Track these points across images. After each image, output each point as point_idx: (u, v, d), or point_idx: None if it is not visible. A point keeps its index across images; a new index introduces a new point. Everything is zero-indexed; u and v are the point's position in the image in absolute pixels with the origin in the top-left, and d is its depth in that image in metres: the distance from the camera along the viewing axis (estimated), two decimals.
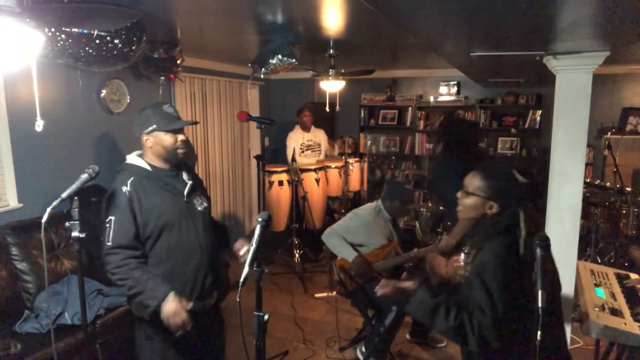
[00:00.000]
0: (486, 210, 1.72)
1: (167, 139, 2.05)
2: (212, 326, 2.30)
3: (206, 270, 2.16)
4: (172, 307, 1.91)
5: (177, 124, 2.09)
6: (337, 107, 4.59)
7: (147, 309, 1.95)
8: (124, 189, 1.98)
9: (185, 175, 2.17)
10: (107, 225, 1.95)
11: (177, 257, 2.07)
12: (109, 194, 2.00)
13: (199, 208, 2.18)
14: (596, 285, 2.62)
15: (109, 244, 1.94)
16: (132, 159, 2.11)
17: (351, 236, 3.30)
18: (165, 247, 2.05)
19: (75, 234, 1.83)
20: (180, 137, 2.09)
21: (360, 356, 3.36)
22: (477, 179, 1.75)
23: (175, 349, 2.12)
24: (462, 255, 1.75)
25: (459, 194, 1.80)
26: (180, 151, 2.09)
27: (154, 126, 2.04)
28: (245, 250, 2.24)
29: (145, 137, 2.06)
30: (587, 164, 5.46)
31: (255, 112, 6.39)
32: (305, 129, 5.62)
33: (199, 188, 2.24)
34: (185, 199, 2.12)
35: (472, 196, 1.74)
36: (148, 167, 2.08)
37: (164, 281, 1.98)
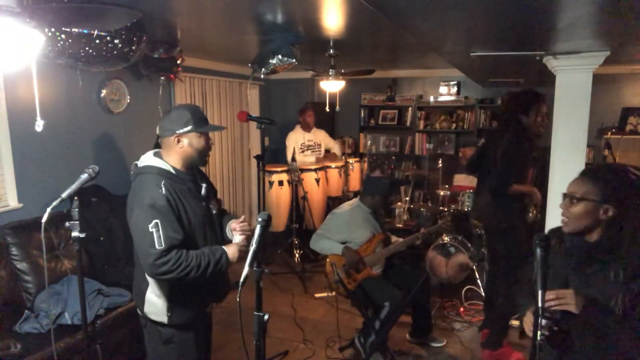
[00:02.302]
0: (600, 216, 1.53)
1: (200, 141, 2.00)
2: (208, 327, 2.36)
3: (223, 273, 2.15)
4: (232, 253, 2.01)
5: (210, 127, 2.06)
6: (337, 107, 4.59)
7: (222, 267, 1.99)
8: (161, 191, 1.89)
9: (199, 179, 2.15)
10: (153, 229, 1.82)
11: None
12: (143, 197, 1.89)
13: (214, 212, 2.18)
14: None
15: (161, 247, 1.82)
16: (153, 160, 2.00)
17: (334, 235, 3.43)
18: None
19: (75, 234, 1.83)
20: (210, 140, 2.08)
21: (358, 344, 3.39)
22: (586, 182, 1.58)
23: (192, 350, 2.12)
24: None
25: (562, 204, 1.64)
26: (207, 157, 2.08)
27: (191, 127, 1.96)
28: (240, 221, 2.17)
29: (176, 138, 1.97)
30: (587, 164, 5.46)
31: (255, 112, 6.39)
32: (307, 128, 5.62)
33: (212, 191, 2.22)
34: (204, 203, 2.10)
35: (582, 202, 1.56)
36: (172, 170, 1.99)
37: (211, 250, 2.00)
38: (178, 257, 1.86)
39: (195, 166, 2.09)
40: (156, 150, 2.07)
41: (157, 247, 1.82)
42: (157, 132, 2.07)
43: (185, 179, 2.03)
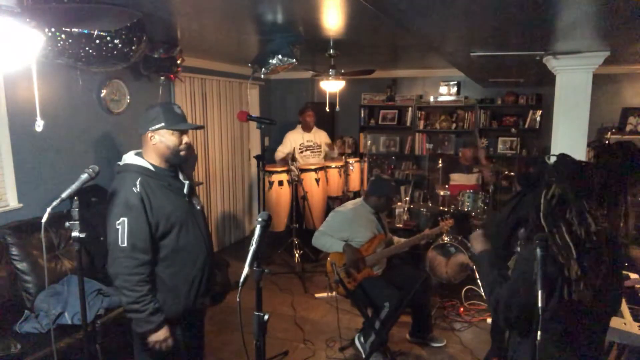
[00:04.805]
0: None
1: (172, 138, 2.05)
2: (200, 324, 2.37)
3: (209, 268, 2.20)
4: (162, 335, 2.01)
5: (184, 125, 2.09)
6: (337, 107, 4.59)
7: (138, 328, 2.00)
8: (134, 189, 1.95)
9: (181, 176, 2.19)
10: (119, 227, 1.91)
11: (185, 256, 2.09)
12: (117, 195, 1.96)
13: (198, 207, 2.22)
14: None
15: (124, 245, 1.90)
16: (133, 158, 2.07)
17: (336, 233, 3.43)
18: (174, 247, 2.05)
19: (75, 234, 1.83)
20: (185, 139, 2.10)
21: (358, 344, 3.40)
22: None
23: (178, 344, 2.13)
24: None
25: None
26: (182, 153, 2.09)
27: (162, 124, 2.02)
28: None
29: (150, 135, 2.03)
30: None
31: (255, 112, 6.39)
32: (307, 129, 5.61)
33: (194, 189, 2.28)
34: (186, 198, 2.15)
35: None
36: (151, 167, 2.05)
37: (160, 309, 2.01)
38: (134, 273, 1.93)
39: (173, 162, 2.11)
40: (138, 150, 2.13)
41: (119, 244, 1.91)
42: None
43: (164, 175, 2.09)
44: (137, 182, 1.97)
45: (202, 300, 2.20)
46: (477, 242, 1.97)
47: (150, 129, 2.02)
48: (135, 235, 1.93)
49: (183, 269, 2.08)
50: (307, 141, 5.63)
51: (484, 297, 1.83)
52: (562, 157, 1.72)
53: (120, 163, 2.09)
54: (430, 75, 6.49)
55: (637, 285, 2.61)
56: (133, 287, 1.94)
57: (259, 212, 4.66)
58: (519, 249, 1.73)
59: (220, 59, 5.25)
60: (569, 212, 1.59)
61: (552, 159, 1.74)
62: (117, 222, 1.91)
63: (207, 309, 2.45)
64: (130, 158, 2.08)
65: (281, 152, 5.44)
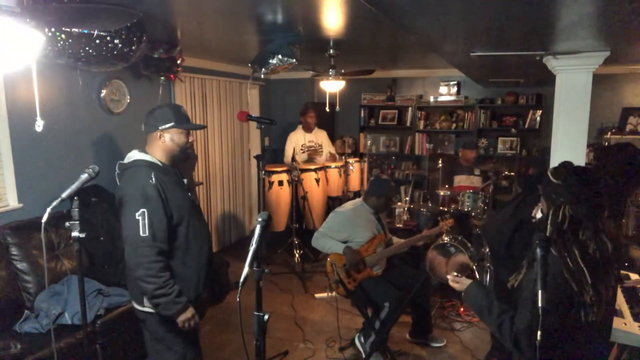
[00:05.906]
0: None
1: (181, 137, 2.15)
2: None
3: (210, 260, 2.29)
4: (190, 314, 2.07)
5: (192, 125, 2.23)
6: (337, 107, 4.59)
7: (166, 311, 2.04)
8: (151, 182, 2.02)
9: (179, 174, 2.29)
10: (139, 217, 1.96)
11: (193, 246, 2.17)
12: (132, 189, 2.01)
13: (196, 203, 2.33)
14: None
15: (145, 235, 1.96)
16: (141, 155, 2.14)
17: (336, 234, 3.43)
18: (185, 237, 2.13)
19: (75, 234, 1.84)
20: (191, 137, 2.21)
21: (358, 344, 3.41)
22: None
23: (182, 343, 2.19)
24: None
25: None
26: (189, 151, 2.21)
27: (172, 123, 2.11)
28: None
29: (159, 133, 2.12)
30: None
31: (255, 112, 6.39)
32: (308, 129, 5.61)
33: (192, 187, 2.35)
34: (189, 194, 2.25)
35: None
36: (159, 163, 2.14)
37: (181, 290, 2.07)
38: (155, 260, 1.97)
39: (178, 160, 2.21)
40: (141, 149, 2.20)
41: (141, 234, 1.96)
42: (143, 128, 2.19)
43: (170, 171, 2.18)
44: (152, 175, 2.04)
45: (205, 290, 2.26)
46: (457, 283, 1.86)
47: (160, 128, 2.11)
48: (155, 225, 1.99)
49: (192, 258, 2.17)
50: (309, 141, 5.63)
51: (493, 333, 1.71)
52: (571, 173, 1.54)
53: (126, 161, 2.15)
54: (430, 75, 6.49)
55: (638, 286, 2.61)
56: (157, 274, 1.98)
57: (259, 212, 4.66)
58: (524, 269, 1.57)
59: (220, 59, 5.25)
60: (582, 233, 1.45)
61: (552, 173, 1.59)
62: (137, 214, 1.96)
63: (206, 306, 2.47)
64: (138, 155, 2.14)
65: (287, 156, 5.40)
